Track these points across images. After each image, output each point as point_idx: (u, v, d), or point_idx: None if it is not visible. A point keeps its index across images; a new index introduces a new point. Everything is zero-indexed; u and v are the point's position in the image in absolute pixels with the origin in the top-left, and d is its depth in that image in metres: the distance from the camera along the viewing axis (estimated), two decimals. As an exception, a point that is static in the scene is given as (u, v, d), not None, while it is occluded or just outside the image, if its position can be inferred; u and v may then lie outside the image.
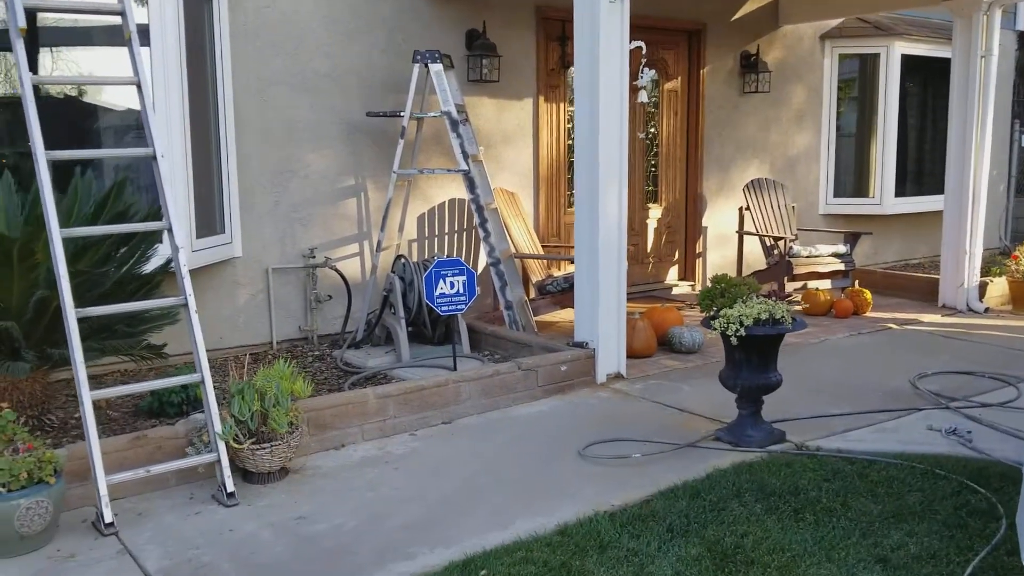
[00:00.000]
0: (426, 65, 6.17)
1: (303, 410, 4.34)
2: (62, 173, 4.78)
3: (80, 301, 4.26)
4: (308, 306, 6.51)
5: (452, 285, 5.30)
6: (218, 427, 3.89)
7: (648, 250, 8.79)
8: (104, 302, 4.36)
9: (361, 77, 6.60)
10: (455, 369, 5.38)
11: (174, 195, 5.49)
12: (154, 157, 4.09)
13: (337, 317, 6.63)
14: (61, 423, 4.60)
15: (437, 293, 5.25)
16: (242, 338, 6.29)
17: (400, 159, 6.26)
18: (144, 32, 5.35)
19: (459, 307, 5.35)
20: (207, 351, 5.54)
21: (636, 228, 8.64)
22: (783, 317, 4.17)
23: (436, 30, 6.92)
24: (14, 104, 5.50)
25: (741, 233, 8.72)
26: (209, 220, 5.99)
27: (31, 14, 5.30)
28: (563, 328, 6.87)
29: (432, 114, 6.36)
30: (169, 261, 4.49)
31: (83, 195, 4.77)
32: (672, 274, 9.04)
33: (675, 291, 8.88)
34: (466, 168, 6.15)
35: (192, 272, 5.84)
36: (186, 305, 4.01)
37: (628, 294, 8.75)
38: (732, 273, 8.98)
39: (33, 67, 5.67)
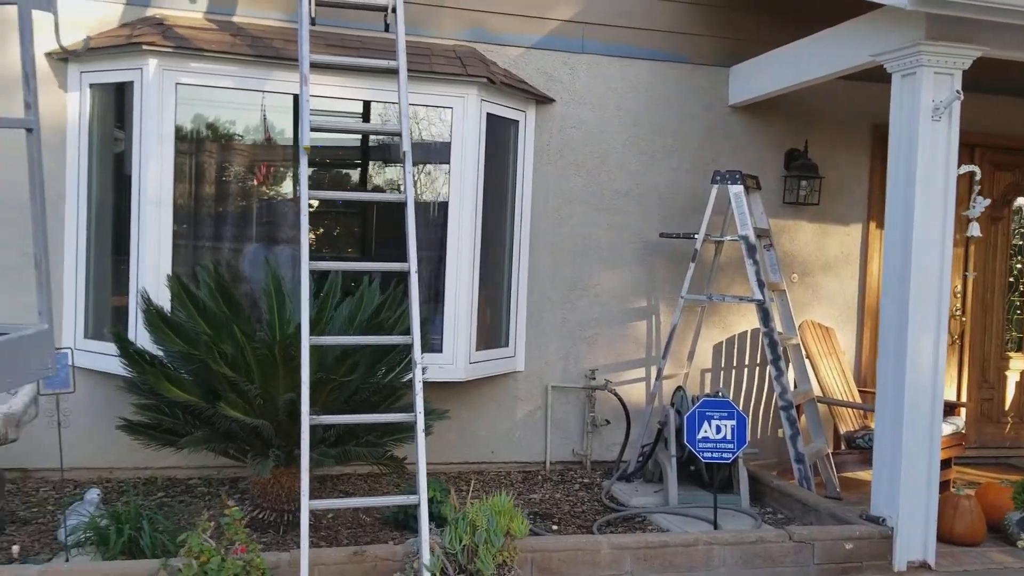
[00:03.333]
0: (726, 186, 5.75)
1: (526, 550, 4.02)
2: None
3: (335, 406, 4.40)
4: (585, 429, 6.24)
5: (718, 429, 4.72)
6: (426, 557, 3.71)
7: (1006, 408, 7.32)
8: (360, 410, 4.48)
9: (663, 197, 6.34)
10: (716, 526, 4.74)
11: (456, 307, 5.59)
12: (408, 272, 4.14)
13: (614, 444, 6.26)
14: (315, 521, 4.73)
15: (700, 436, 4.70)
16: (515, 454, 6.17)
17: (689, 283, 5.84)
18: (446, 149, 5.61)
19: (724, 456, 4.73)
20: (478, 463, 5.51)
21: (990, 380, 7.27)
22: None
23: (750, 149, 6.48)
24: (329, 214, 6.03)
25: None
26: (495, 332, 6.02)
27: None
28: (872, 491, 5.84)
29: (728, 238, 5.90)
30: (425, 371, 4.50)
31: (367, 302, 5.01)
32: (1039, 439, 7.43)
33: (1042, 460, 7.27)
34: (760, 298, 5.56)
35: (472, 383, 5.91)
36: (415, 423, 3.94)
37: (974, 459, 7.43)
38: (1122, 448, 7.16)
39: (364, 179, 6.21)
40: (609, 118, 6.21)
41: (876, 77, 5.06)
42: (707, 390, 6.47)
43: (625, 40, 6.17)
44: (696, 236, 5.84)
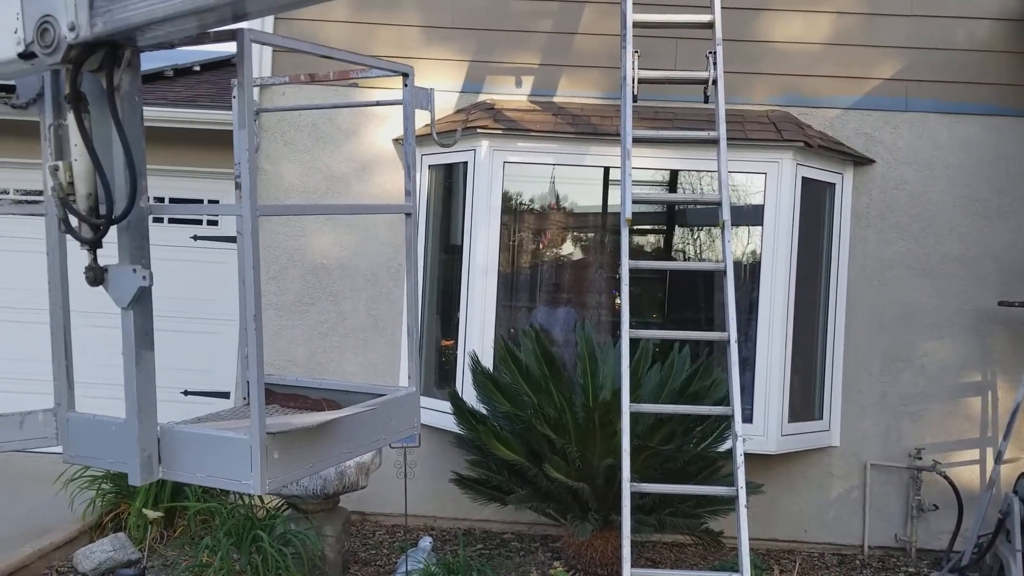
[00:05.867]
0: (1082, 250, 5.14)
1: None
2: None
3: (648, 474, 4.44)
4: (909, 513, 5.75)
5: (1083, 528, 4.15)
6: (748, 638, 3.59)
7: None
8: (672, 479, 4.47)
9: (999, 261, 5.79)
10: (1081, 638, 4.14)
11: (767, 377, 5.45)
12: (727, 342, 4.11)
13: (943, 532, 5.71)
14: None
15: (1059, 534, 4.16)
16: (829, 535, 5.82)
17: (1037, 359, 5.26)
18: (759, 212, 5.53)
19: (1091, 558, 4.14)
20: (788, 541, 5.31)
21: None
22: None
23: (1107, 208, 5.76)
24: (640, 279, 6.14)
25: None
26: (807, 404, 5.78)
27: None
28: None
29: (1085, 308, 5.24)
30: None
31: (677, 370, 5.03)
32: None
33: None
34: None
35: (782, 457, 5.71)
36: (736, 497, 3.86)
37: None
38: None
39: (668, 245, 6.29)
40: (936, 178, 5.81)
41: None
42: (1057, 478, 5.73)
43: (955, 96, 5.77)
44: (1044, 306, 5.26)
